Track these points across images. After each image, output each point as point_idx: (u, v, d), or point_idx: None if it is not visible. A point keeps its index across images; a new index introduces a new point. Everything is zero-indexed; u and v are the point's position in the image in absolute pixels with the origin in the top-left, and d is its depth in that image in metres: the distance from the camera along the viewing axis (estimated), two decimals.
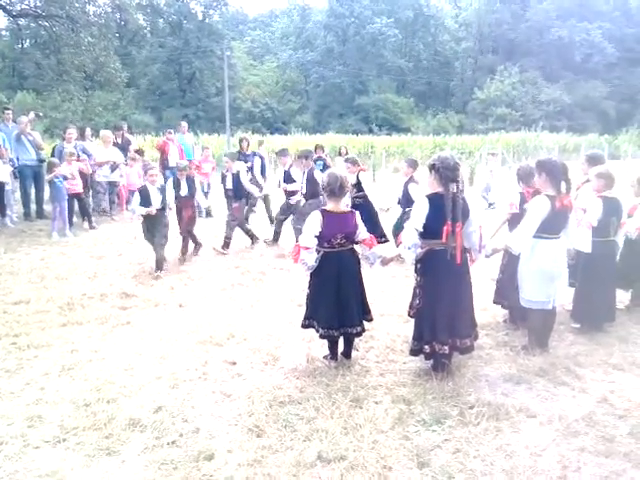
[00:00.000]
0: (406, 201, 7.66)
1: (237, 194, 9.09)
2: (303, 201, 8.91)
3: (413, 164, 8.08)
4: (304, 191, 8.81)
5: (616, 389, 4.23)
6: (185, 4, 54.82)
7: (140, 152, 12.46)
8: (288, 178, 9.44)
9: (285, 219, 9.44)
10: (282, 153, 10.18)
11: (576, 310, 5.49)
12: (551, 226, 4.65)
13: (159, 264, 7.46)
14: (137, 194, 7.66)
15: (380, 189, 9.99)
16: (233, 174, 9.06)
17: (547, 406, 3.98)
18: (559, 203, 4.60)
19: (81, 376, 4.50)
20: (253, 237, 9.42)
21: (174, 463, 3.33)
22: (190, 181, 8.38)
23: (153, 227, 7.59)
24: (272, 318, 5.85)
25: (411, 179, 7.81)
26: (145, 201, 7.50)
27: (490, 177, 14.86)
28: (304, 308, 4.74)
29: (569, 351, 4.90)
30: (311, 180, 8.66)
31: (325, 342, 4.75)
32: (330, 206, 4.51)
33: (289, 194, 9.29)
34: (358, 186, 8.61)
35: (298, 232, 8.23)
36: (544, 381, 4.35)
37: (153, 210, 7.45)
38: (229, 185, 9.09)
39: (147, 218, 7.57)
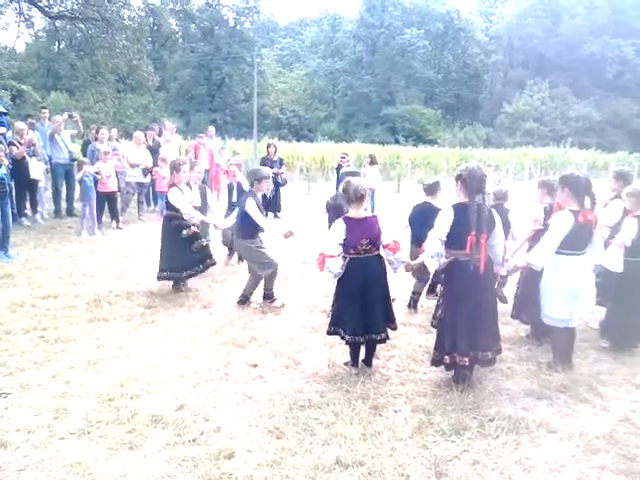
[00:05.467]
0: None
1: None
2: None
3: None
4: None
5: (638, 409, 4.18)
6: (217, 11, 55.64)
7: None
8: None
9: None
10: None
11: (607, 329, 5.42)
12: (575, 242, 4.60)
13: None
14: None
15: (404, 200, 9.95)
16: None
17: (568, 422, 3.95)
18: (582, 218, 4.56)
19: (106, 371, 4.59)
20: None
21: (195, 460, 3.38)
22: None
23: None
24: (294, 323, 5.90)
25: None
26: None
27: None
28: (329, 314, 4.78)
29: (592, 369, 4.86)
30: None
31: (346, 348, 4.79)
32: (352, 212, 4.57)
33: None
34: None
35: None
36: (566, 397, 4.32)
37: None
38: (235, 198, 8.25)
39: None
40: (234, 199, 8.26)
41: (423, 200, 6.40)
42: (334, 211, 6.10)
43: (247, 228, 6.30)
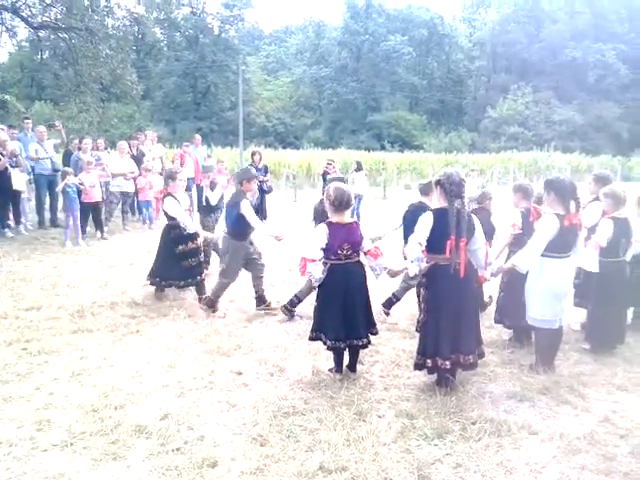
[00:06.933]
0: None
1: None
2: None
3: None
4: None
5: (619, 409, 4.25)
6: (202, 19, 55.67)
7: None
8: None
9: None
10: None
11: (590, 332, 5.50)
12: (560, 245, 4.67)
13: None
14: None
15: (390, 206, 9.96)
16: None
17: (549, 423, 4.00)
18: (568, 222, 4.63)
19: (90, 382, 4.57)
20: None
21: (178, 469, 3.38)
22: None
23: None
24: (279, 330, 5.92)
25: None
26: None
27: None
28: (312, 321, 4.81)
29: (573, 370, 4.92)
30: None
31: (331, 355, 4.81)
32: (335, 218, 4.60)
33: None
34: None
35: None
36: (547, 399, 4.37)
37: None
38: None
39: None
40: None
41: (418, 200, 6.40)
42: (321, 216, 6.12)
43: (239, 230, 6.33)
